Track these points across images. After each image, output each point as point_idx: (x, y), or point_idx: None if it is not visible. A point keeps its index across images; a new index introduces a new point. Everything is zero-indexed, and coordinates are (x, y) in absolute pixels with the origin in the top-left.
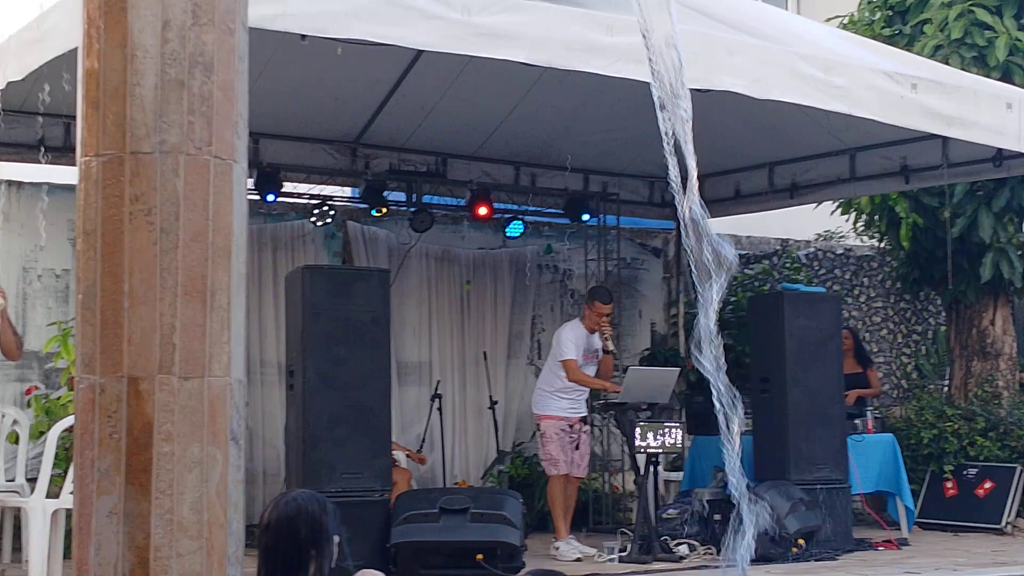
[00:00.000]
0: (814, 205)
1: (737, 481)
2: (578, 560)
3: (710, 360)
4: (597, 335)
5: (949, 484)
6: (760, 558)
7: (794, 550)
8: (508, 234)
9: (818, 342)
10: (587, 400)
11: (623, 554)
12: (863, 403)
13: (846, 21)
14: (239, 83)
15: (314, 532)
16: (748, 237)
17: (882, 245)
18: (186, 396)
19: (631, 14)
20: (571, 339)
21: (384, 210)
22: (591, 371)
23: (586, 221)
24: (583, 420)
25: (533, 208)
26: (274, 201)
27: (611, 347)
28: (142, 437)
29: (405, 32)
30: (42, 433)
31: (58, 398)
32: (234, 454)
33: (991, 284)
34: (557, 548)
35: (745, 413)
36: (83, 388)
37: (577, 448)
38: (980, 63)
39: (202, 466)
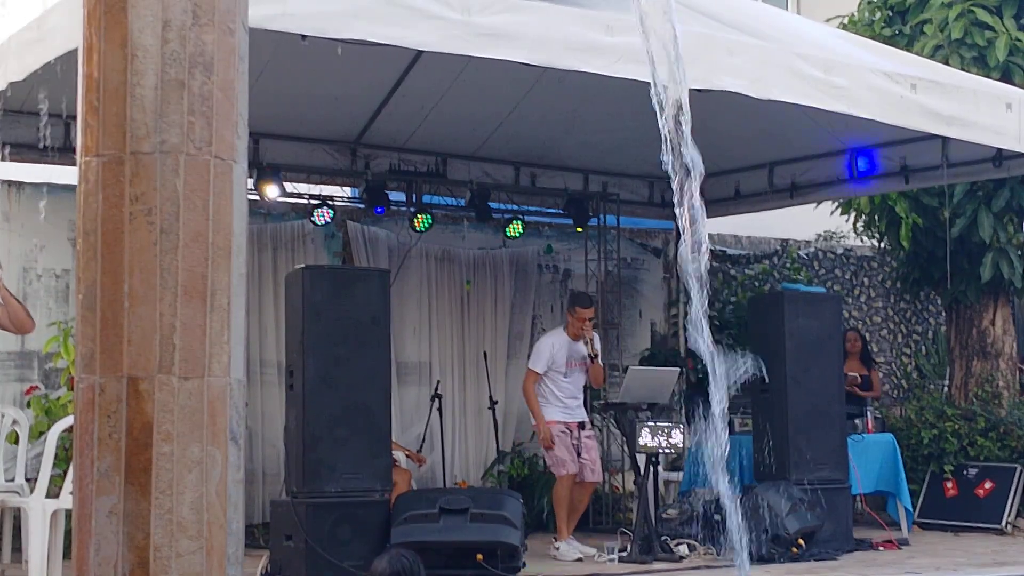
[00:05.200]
0: (814, 205)
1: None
2: (578, 560)
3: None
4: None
5: (949, 484)
6: (760, 558)
7: (794, 550)
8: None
9: (818, 342)
10: (586, 406)
11: (623, 554)
12: (863, 403)
13: (846, 21)
14: (239, 83)
15: None
16: (748, 237)
17: (882, 245)
18: (186, 396)
19: (631, 14)
20: (546, 350)
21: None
22: (582, 379)
23: (588, 222)
24: (581, 425)
25: (533, 208)
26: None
27: (590, 350)
28: (142, 437)
29: (405, 32)
30: (42, 433)
31: (58, 398)
32: (234, 454)
33: (991, 284)
34: (558, 548)
35: (745, 413)
36: (83, 388)
37: (580, 454)
38: (980, 63)
39: (202, 466)
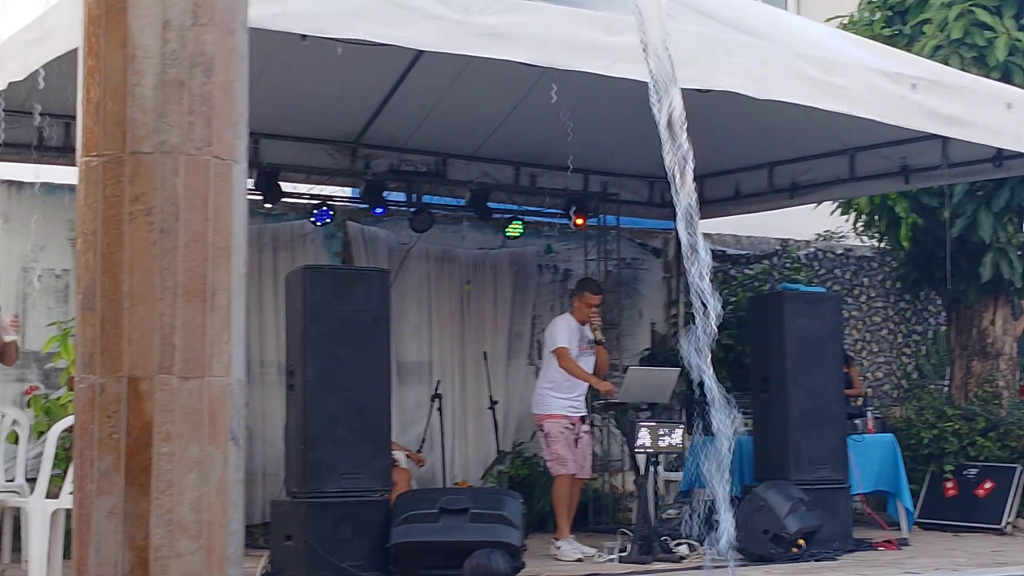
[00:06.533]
0: (814, 205)
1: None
2: (579, 560)
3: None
4: (588, 327)
5: (949, 484)
6: (760, 558)
7: (794, 550)
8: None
9: (818, 342)
10: (587, 400)
11: (623, 554)
12: (863, 403)
13: (846, 21)
14: (239, 83)
15: None
16: (748, 237)
17: (882, 245)
18: (186, 396)
19: (631, 14)
20: (561, 328)
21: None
22: (590, 361)
23: (588, 222)
24: (583, 419)
25: (533, 208)
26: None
27: (600, 336)
28: (142, 437)
29: (405, 32)
30: (42, 433)
31: (58, 398)
32: (234, 454)
33: (991, 284)
34: (558, 548)
35: (745, 413)
36: (83, 388)
37: (576, 446)
38: (980, 63)
39: (202, 466)
